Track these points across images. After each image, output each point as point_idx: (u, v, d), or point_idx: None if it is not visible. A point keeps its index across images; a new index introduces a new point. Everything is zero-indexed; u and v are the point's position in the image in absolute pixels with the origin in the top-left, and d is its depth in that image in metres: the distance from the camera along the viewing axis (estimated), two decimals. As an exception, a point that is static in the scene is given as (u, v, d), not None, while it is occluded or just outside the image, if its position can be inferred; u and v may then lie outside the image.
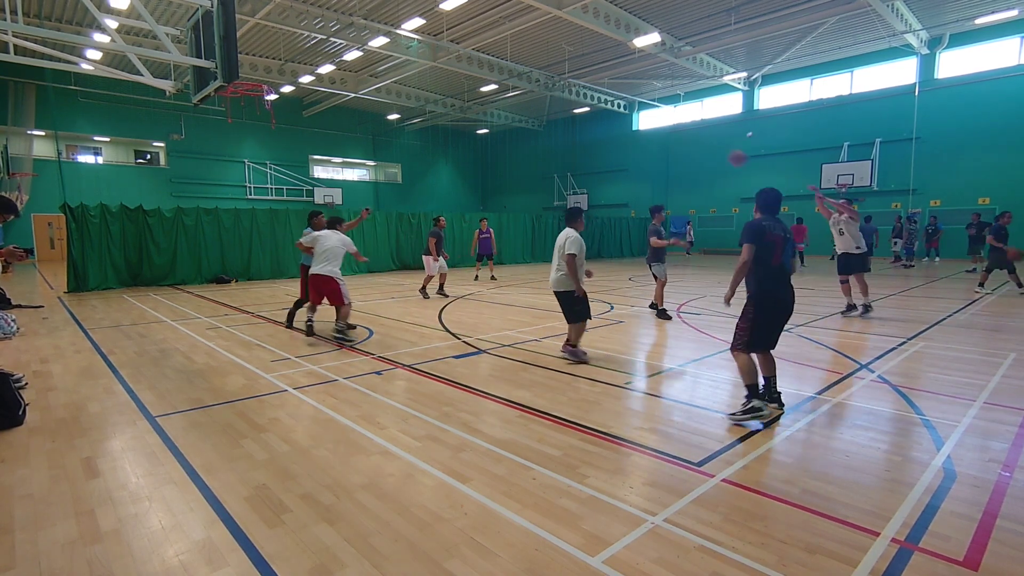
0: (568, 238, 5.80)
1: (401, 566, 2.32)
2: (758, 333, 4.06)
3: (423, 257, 11.45)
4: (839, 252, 8.77)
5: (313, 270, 6.95)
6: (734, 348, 4.15)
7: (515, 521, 2.66)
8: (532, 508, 2.78)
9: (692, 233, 28.86)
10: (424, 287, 11.42)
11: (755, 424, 3.91)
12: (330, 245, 6.96)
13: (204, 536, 2.56)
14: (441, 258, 11.24)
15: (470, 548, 2.45)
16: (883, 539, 2.48)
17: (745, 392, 4.04)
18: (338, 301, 6.95)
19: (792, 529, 2.57)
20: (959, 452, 3.44)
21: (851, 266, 8.61)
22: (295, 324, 8.04)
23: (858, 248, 8.47)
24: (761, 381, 4.10)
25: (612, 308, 9.82)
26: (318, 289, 6.95)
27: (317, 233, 7.19)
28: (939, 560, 2.33)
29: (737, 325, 4.17)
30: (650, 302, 9.31)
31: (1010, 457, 3.37)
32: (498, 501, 2.86)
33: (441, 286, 11.71)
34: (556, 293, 5.98)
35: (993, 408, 4.27)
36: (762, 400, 3.99)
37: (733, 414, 4.02)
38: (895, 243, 20.08)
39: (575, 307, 5.86)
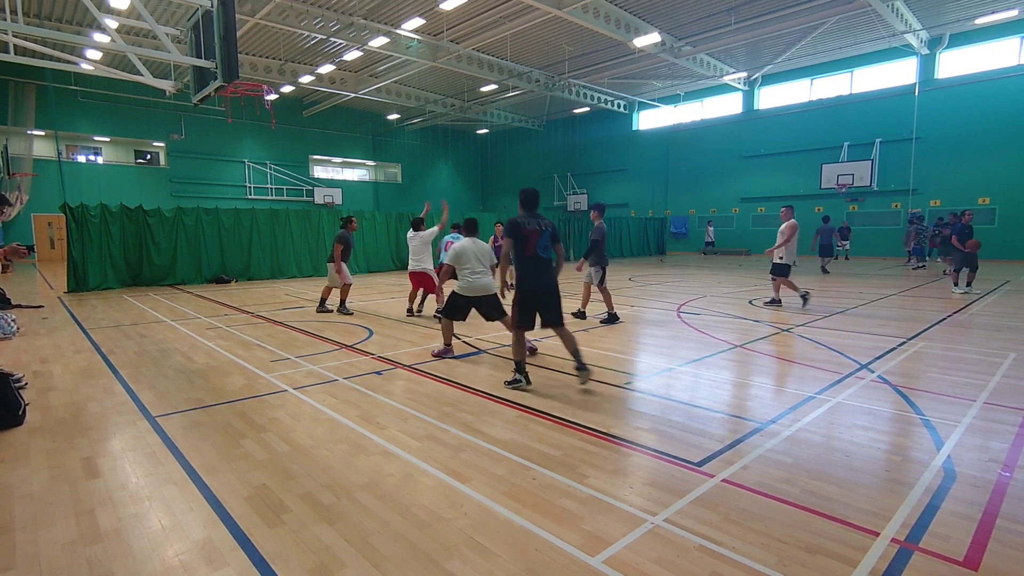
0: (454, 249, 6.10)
1: (401, 566, 2.32)
2: (521, 315, 4.82)
3: (328, 264, 9.40)
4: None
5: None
6: (511, 328, 4.99)
7: (515, 521, 2.66)
8: (532, 508, 2.78)
9: (712, 233, 28.58)
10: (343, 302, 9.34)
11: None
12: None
13: (204, 536, 2.56)
14: (344, 267, 9.34)
15: (470, 548, 2.45)
16: (883, 539, 2.48)
17: (513, 366, 4.89)
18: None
19: (792, 529, 2.57)
20: (959, 452, 3.44)
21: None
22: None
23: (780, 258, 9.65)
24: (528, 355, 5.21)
25: (612, 308, 9.81)
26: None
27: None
28: (939, 560, 2.33)
29: (511, 308, 4.97)
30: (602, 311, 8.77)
31: (1010, 457, 3.37)
32: (498, 501, 2.86)
33: (342, 301, 9.40)
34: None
35: (993, 408, 4.27)
36: (524, 375, 4.82)
37: (507, 382, 4.88)
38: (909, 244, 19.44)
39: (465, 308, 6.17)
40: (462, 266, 5.98)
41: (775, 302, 9.73)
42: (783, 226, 9.60)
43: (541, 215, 4.85)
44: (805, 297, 9.51)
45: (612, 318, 8.30)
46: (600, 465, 3.29)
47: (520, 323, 4.81)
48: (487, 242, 6.92)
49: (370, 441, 3.69)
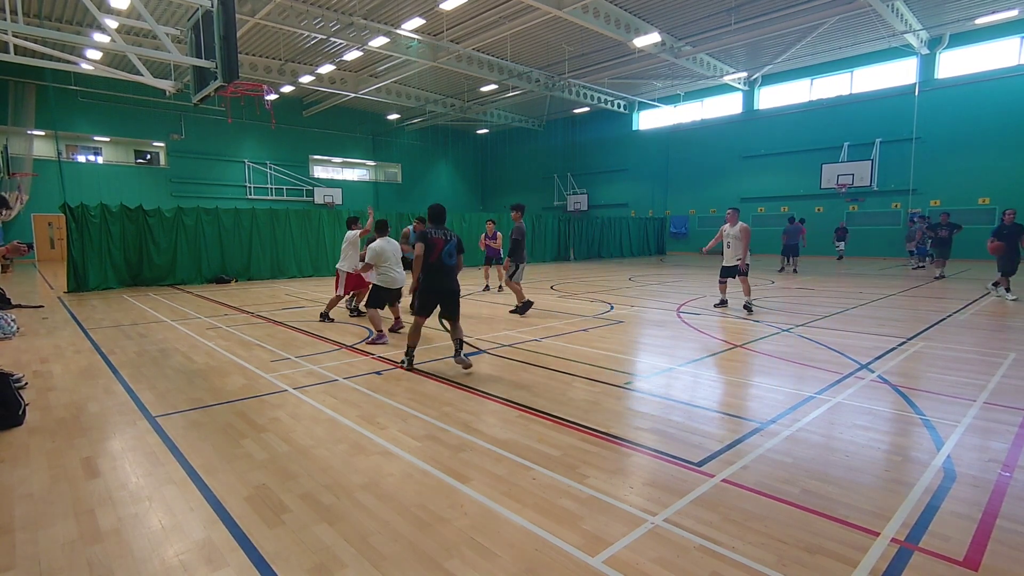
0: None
1: (401, 566, 2.32)
2: (421, 306, 5.58)
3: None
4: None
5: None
6: (413, 312, 5.78)
7: (515, 521, 2.66)
8: (532, 508, 2.78)
9: None
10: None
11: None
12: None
13: (204, 536, 2.56)
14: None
15: (470, 548, 2.45)
16: (883, 539, 2.48)
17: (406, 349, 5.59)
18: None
19: (792, 529, 2.57)
20: (959, 452, 3.44)
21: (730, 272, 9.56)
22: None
23: (738, 260, 9.36)
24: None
25: (612, 308, 9.82)
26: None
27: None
28: (939, 560, 2.33)
29: (412, 298, 5.82)
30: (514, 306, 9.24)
31: (1010, 457, 3.37)
32: (498, 501, 2.86)
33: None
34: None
35: (993, 408, 4.27)
36: (410, 360, 5.59)
37: (401, 363, 5.63)
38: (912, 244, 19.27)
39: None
40: (381, 263, 6.94)
41: (723, 303, 9.67)
42: (737, 229, 9.34)
43: (448, 228, 5.64)
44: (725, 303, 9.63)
45: (523, 308, 8.93)
46: (600, 465, 3.29)
47: (419, 312, 5.59)
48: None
49: (370, 441, 3.69)
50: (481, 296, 11.64)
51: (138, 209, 13.98)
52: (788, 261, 17.63)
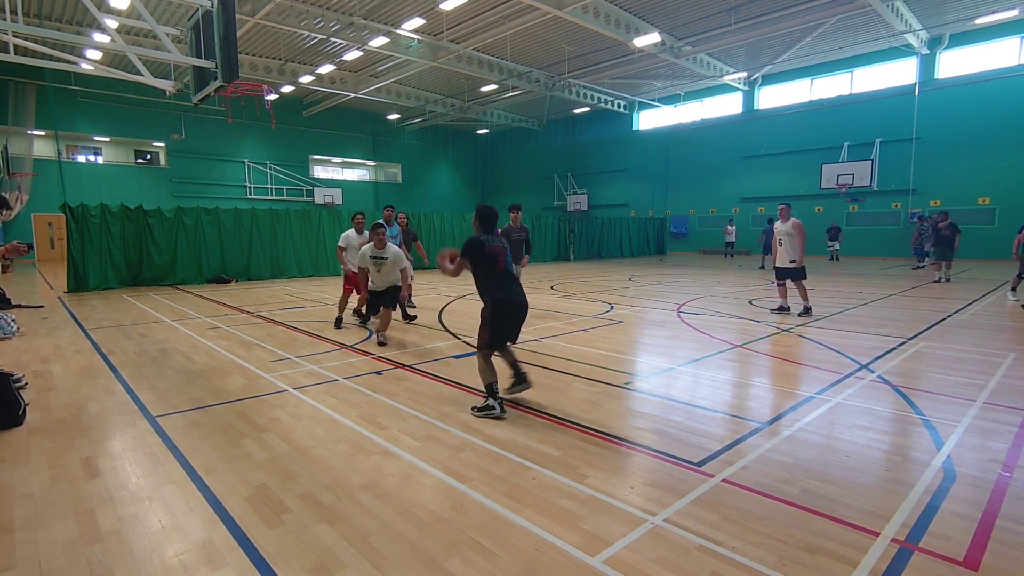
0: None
1: (401, 566, 2.32)
2: (499, 335, 4.33)
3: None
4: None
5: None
6: (479, 350, 4.36)
7: (515, 521, 2.66)
8: (532, 508, 2.78)
9: (735, 233, 25.63)
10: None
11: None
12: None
13: (204, 536, 2.56)
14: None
15: (470, 548, 2.45)
16: (883, 539, 2.48)
17: (484, 391, 4.24)
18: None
19: (792, 529, 2.57)
20: (959, 452, 3.44)
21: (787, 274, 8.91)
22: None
23: (792, 262, 8.68)
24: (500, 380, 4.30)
25: (612, 308, 9.82)
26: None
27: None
28: (939, 560, 2.33)
29: (480, 329, 4.36)
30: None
31: (1010, 457, 3.36)
32: (498, 501, 2.86)
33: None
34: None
35: (993, 408, 4.27)
36: (498, 400, 4.16)
37: (474, 408, 4.24)
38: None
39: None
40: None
41: (784, 309, 8.95)
42: (789, 225, 8.64)
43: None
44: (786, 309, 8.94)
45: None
46: (600, 465, 3.29)
47: (492, 345, 4.35)
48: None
49: (370, 441, 3.69)
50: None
51: (138, 209, 13.98)
52: (767, 259, 18.79)
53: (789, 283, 8.90)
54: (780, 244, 8.81)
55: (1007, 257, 20.35)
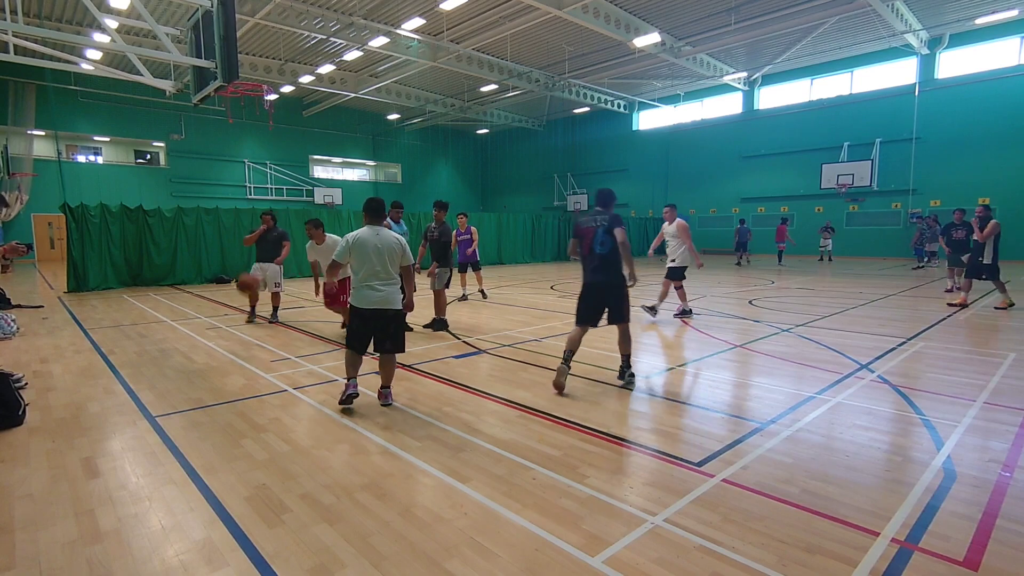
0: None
1: (401, 566, 2.32)
2: (578, 312, 4.94)
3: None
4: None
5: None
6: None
7: (515, 521, 2.66)
8: (532, 508, 2.78)
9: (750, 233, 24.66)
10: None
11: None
12: None
13: (204, 536, 2.56)
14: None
15: (470, 548, 2.45)
16: (883, 539, 2.48)
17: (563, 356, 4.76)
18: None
19: (792, 529, 2.57)
20: (959, 452, 3.44)
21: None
22: None
23: (672, 260, 9.04)
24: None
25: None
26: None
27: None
28: (939, 560, 2.33)
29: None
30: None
31: (1010, 457, 3.36)
32: (498, 501, 2.86)
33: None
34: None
35: (993, 408, 4.27)
36: (566, 363, 4.70)
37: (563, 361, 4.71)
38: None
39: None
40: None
41: (686, 312, 9.01)
42: (674, 227, 8.94)
43: (603, 210, 5.05)
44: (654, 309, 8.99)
45: (439, 324, 7.72)
46: (600, 465, 3.29)
47: (579, 321, 4.92)
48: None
49: (370, 441, 3.69)
50: (479, 296, 11.53)
51: (138, 209, 13.98)
52: (741, 256, 21.16)
53: (673, 284, 9.10)
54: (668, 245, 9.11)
55: (1007, 257, 20.23)
